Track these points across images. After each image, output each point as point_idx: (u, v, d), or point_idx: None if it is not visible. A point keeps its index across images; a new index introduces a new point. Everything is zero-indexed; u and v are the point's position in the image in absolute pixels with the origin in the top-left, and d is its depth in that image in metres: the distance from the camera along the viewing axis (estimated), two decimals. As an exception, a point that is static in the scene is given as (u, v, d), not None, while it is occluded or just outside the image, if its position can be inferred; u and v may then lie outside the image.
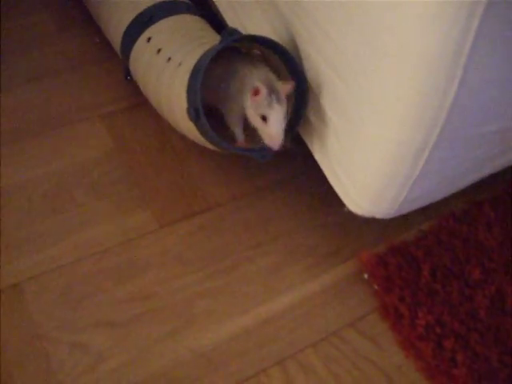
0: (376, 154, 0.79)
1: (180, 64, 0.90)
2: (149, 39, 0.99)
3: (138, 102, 1.11)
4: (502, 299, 0.93)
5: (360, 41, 0.73)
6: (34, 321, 0.85)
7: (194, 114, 0.83)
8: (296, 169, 0.91)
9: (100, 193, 0.99)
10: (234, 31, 0.84)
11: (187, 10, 1.04)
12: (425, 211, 0.98)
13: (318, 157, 0.89)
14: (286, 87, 0.84)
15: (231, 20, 1.01)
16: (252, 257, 0.94)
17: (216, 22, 1.06)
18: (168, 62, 0.93)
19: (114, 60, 1.15)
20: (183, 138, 1.01)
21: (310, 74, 0.86)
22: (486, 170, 0.92)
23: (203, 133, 0.86)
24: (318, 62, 0.83)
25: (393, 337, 0.89)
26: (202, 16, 1.05)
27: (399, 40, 0.67)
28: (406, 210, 0.88)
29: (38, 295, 0.87)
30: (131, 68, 1.04)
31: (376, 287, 0.93)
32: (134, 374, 0.82)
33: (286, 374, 0.84)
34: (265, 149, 0.87)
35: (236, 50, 0.93)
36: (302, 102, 0.88)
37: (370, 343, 0.88)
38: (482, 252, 0.98)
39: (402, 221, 0.97)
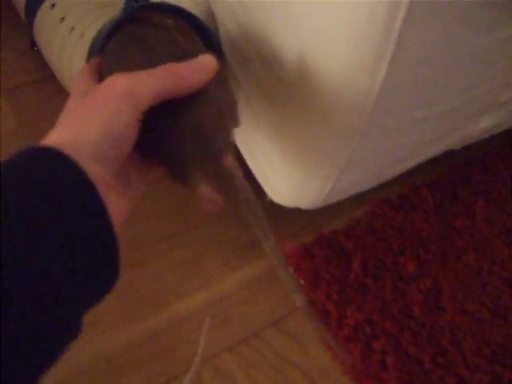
0: (299, 141, 0.71)
1: (82, 35, 0.80)
2: (53, 5, 0.88)
3: (45, 75, 1.00)
4: (438, 294, 0.87)
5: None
6: None
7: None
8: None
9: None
10: (137, -1, 0.74)
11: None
12: (358, 197, 0.91)
13: (237, 141, 0.81)
14: None
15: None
16: (165, 250, 0.85)
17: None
18: (71, 32, 0.83)
19: (19, 26, 1.03)
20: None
21: (228, 50, 0.76)
22: (421, 157, 0.84)
23: None
24: (239, 40, 0.73)
25: (319, 338, 0.82)
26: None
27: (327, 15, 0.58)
28: (333, 200, 0.80)
29: None
30: (35, 36, 0.94)
31: (302, 282, 0.85)
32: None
33: (200, 380, 0.76)
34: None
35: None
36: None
37: (294, 344, 0.81)
38: (419, 242, 0.91)
39: (333, 208, 0.89)
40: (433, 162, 0.87)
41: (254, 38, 0.70)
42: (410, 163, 0.83)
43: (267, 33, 0.67)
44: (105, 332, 0.78)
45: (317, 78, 0.62)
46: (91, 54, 0.74)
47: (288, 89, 0.67)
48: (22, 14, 0.96)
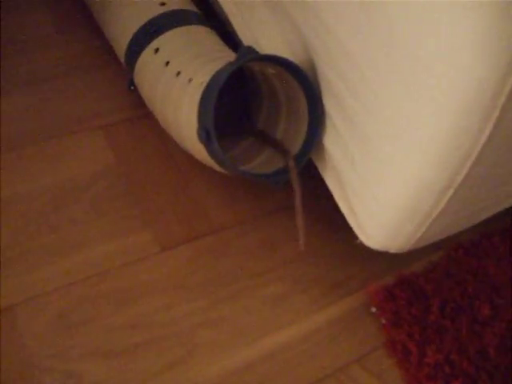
0: (397, 190, 0.76)
1: (190, 80, 0.86)
2: (156, 50, 0.94)
3: (141, 113, 1.06)
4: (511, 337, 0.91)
5: (391, 71, 0.69)
6: (27, 347, 0.80)
7: (204, 135, 0.79)
8: (306, 194, 0.87)
9: (99, 210, 0.94)
10: (251, 49, 0.80)
11: (197, 20, 1.00)
12: (435, 242, 0.95)
13: (330, 184, 0.86)
14: None
15: (243, 33, 0.96)
16: (257, 285, 0.90)
17: (224, 32, 1.01)
18: (177, 77, 0.88)
19: (116, 66, 1.10)
20: (188, 155, 0.97)
21: (328, 98, 0.82)
22: (505, 205, 0.89)
23: (213, 156, 0.82)
24: (338, 87, 0.79)
25: (399, 374, 0.86)
26: (212, 27, 1.01)
27: (437, 79, 0.63)
28: (420, 245, 0.85)
29: (32, 320, 0.83)
30: (136, 79, 1.00)
31: (384, 321, 0.90)
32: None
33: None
34: (278, 173, 0.83)
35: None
36: (316, 126, 0.84)
37: (377, 381, 0.85)
38: (491, 287, 0.95)
39: (411, 252, 0.94)
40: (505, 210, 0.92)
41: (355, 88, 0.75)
42: (496, 210, 0.87)
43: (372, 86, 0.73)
44: (202, 362, 0.83)
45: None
46: (205, 99, 0.80)
47: (395, 143, 0.72)
48: (122, 55, 1.02)
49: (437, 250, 0.98)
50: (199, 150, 0.85)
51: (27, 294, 0.85)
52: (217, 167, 0.86)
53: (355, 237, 0.84)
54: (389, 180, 0.76)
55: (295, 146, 0.86)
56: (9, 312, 0.83)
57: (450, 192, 0.72)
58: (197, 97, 0.82)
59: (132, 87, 1.04)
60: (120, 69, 1.08)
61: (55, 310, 0.84)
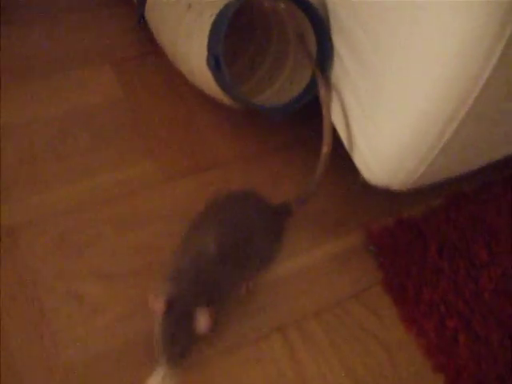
0: (400, 123, 0.76)
1: (201, 13, 0.86)
2: (168, -16, 0.94)
3: (149, 49, 1.06)
4: (507, 283, 0.92)
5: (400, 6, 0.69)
6: (29, 268, 0.81)
7: (213, 63, 0.80)
8: (310, 131, 0.87)
9: (105, 140, 0.95)
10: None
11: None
12: (435, 189, 0.96)
13: (336, 120, 0.86)
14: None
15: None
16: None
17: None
18: (188, 10, 0.89)
19: (127, 4, 1.10)
20: (195, 90, 0.97)
21: (337, 35, 0.82)
22: (507, 152, 0.89)
23: (222, 84, 0.82)
24: (348, 23, 0.79)
25: (395, 311, 0.87)
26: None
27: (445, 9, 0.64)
28: (421, 183, 0.86)
29: (35, 240, 0.84)
30: (147, 14, 1.00)
31: (382, 260, 0.91)
32: (130, 329, 0.79)
33: (286, 340, 0.82)
34: (284, 107, 0.84)
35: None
36: (324, 61, 0.84)
37: (373, 316, 0.86)
38: (490, 234, 0.96)
39: (412, 196, 0.95)
40: (506, 161, 0.93)
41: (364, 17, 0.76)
42: (498, 155, 0.88)
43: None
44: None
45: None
46: (216, 28, 0.80)
47: (399, 74, 0.73)
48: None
49: (437, 197, 1.00)
50: (208, 82, 0.86)
51: (30, 216, 0.86)
52: (225, 100, 0.87)
53: (358, 174, 0.86)
54: (394, 114, 0.77)
55: (301, 84, 0.87)
56: (11, 233, 0.84)
57: (454, 125, 0.73)
58: (207, 27, 0.83)
59: (142, 21, 1.04)
60: (131, 6, 1.08)
61: (58, 232, 0.85)
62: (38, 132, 0.94)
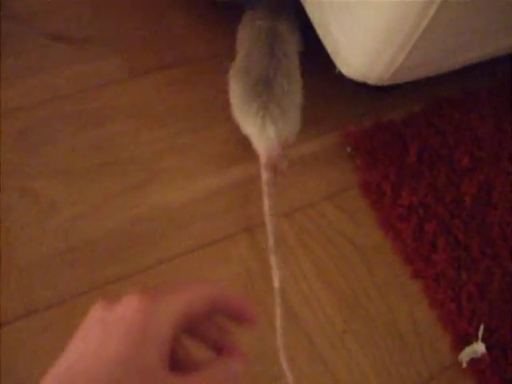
0: (377, 10, 0.71)
1: None
2: None
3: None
4: (489, 190, 0.88)
5: None
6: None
7: None
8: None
9: (68, 35, 0.89)
10: None
11: None
12: (417, 94, 0.92)
13: (309, 10, 0.81)
14: None
15: None
16: (227, 117, 0.85)
17: None
18: None
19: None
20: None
21: None
22: (488, 49, 0.84)
23: None
24: None
25: (372, 215, 0.83)
26: None
27: None
28: (399, 78, 0.81)
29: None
30: None
31: (358, 162, 0.86)
32: (89, 228, 0.74)
33: (255, 241, 0.77)
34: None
35: None
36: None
37: (348, 219, 0.82)
38: (473, 140, 0.92)
39: (392, 100, 0.90)
40: (493, 70, 0.88)
41: None
42: (478, 53, 0.83)
43: None
44: (165, 186, 0.79)
45: None
46: None
47: None
48: None
49: (418, 102, 0.94)
50: None
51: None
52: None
53: (334, 67, 0.80)
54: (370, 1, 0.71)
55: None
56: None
57: (432, 9, 0.67)
58: None
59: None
60: None
61: (16, 129, 0.79)
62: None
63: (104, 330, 0.35)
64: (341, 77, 0.80)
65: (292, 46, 0.81)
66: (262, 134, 0.73)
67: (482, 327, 0.76)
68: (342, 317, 0.75)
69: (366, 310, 0.76)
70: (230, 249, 0.76)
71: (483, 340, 0.75)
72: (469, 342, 0.75)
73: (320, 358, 0.71)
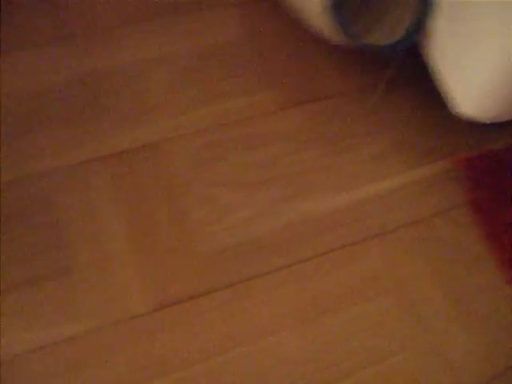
0: (493, 54, 0.84)
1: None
2: None
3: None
4: None
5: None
6: (170, 173, 0.99)
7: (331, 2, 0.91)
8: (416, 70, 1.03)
9: (231, 72, 1.11)
10: None
11: None
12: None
13: (429, 55, 0.96)
14: None
15: None
16: (359, 143, 1.05)
17: None
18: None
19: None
20: (311, 33, 1.12)
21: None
22: None
23: (335, 22, 0.93)
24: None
25: (476, 231, 0.99)
26: None
27: None
28: (507, 116, 0.96)
29: (174, 154, 1.01)
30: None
31: (467, 185, 1.02)
32: (260, 226, 0.96)
33: (385, 245, 0.96)
34: (393, 45, 0.97)
35: None
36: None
37: (455, 233, 0.99)
38: None
39: (498, 129, 1.07)
40: None
41: None
42: None
43: None
44: (308, 198, 1.00)
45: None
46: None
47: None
48: None
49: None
50: (319, 20, 0.98)
51: (171, 134, 1.04)
52: (336, 39, 0.99)
53: (448, 104, 0.98)
54: (486, 35, 0.84)
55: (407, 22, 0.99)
56: (155, 146, 1.02)
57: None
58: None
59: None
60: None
61: (193, 148, 1.02)
62: (175, 63, 1.11)
63: None
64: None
65: None
66: None
67: None
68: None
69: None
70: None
71: None
72: None
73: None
